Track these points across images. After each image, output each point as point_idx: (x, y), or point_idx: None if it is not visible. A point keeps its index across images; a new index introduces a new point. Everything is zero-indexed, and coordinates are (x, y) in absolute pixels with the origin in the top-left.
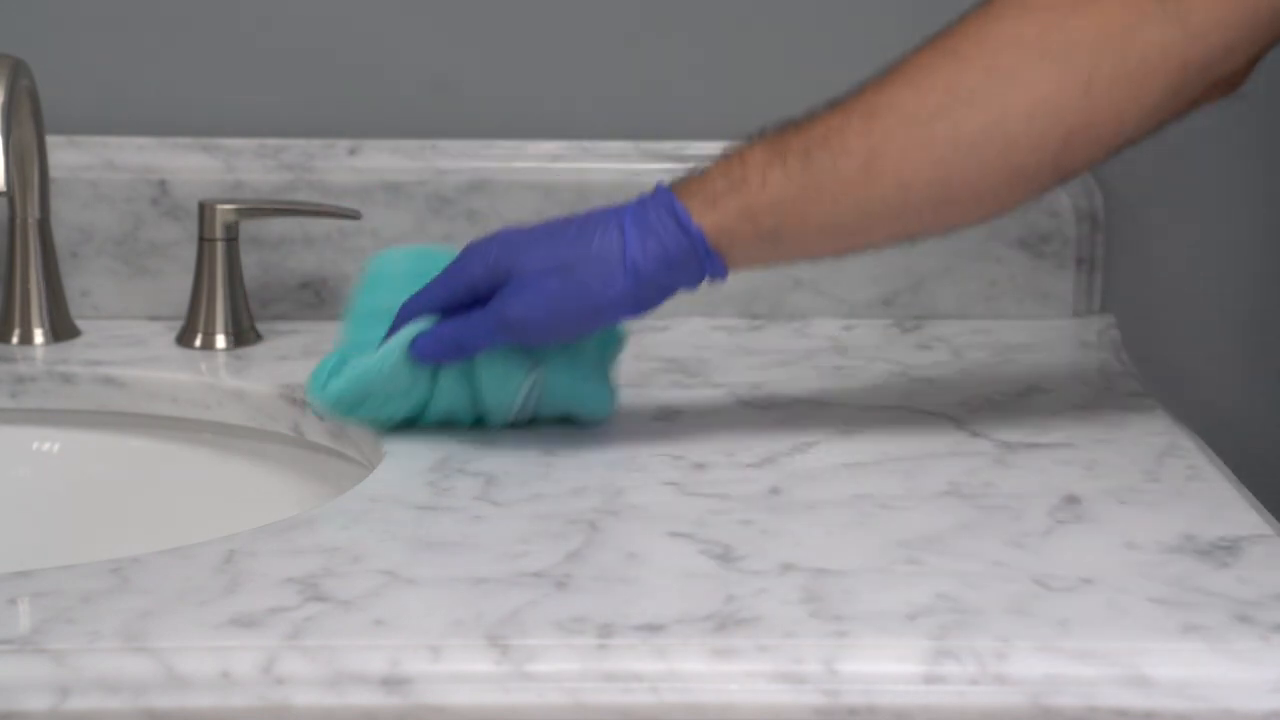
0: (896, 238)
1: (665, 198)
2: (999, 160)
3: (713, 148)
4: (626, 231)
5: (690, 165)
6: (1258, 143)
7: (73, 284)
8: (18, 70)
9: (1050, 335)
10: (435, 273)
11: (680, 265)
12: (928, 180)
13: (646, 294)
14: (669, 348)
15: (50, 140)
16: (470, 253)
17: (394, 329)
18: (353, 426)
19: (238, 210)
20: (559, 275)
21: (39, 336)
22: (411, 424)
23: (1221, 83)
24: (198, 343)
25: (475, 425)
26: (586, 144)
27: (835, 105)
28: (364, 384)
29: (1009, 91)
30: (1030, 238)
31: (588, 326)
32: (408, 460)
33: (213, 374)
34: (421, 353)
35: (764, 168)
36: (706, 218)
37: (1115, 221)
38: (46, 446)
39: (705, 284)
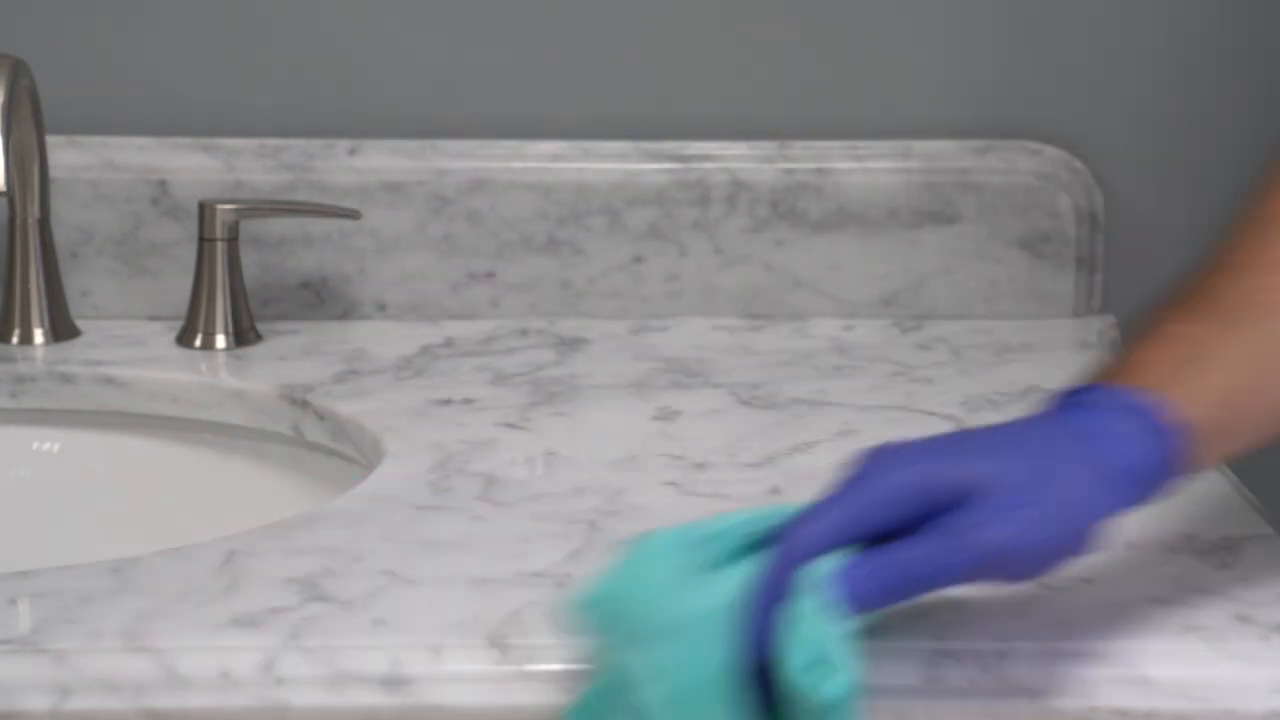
0: None
1: (1132, 394)
2: None
3: (713, 148)
4: (1113, 431)
5: (690, 166)
6: (1259, 143)
7: (73, 284)
8: (18, 70)
9: (1050, 335)
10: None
11: (1165, 468)
12: None
13: (1125, 509)
14: (669, 348)
15: (50, 140)
16: (889, 460)
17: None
18: (353, 429)
19: (238, 210)
20: (1039, 491)
21: (39, 336)
22: None
23: None
24: (198, 343)
25: None
26: (586, 144)
27: (1218, 267)
28: None
29: None
30: (1030, 238)
31: (1069, 555)
32: (408, 460)
33: (213, 374)
34: (857, 594)
35: (1215, 336)
36: (1181, 408)
37: (1116, 222)
38: (46, 446)
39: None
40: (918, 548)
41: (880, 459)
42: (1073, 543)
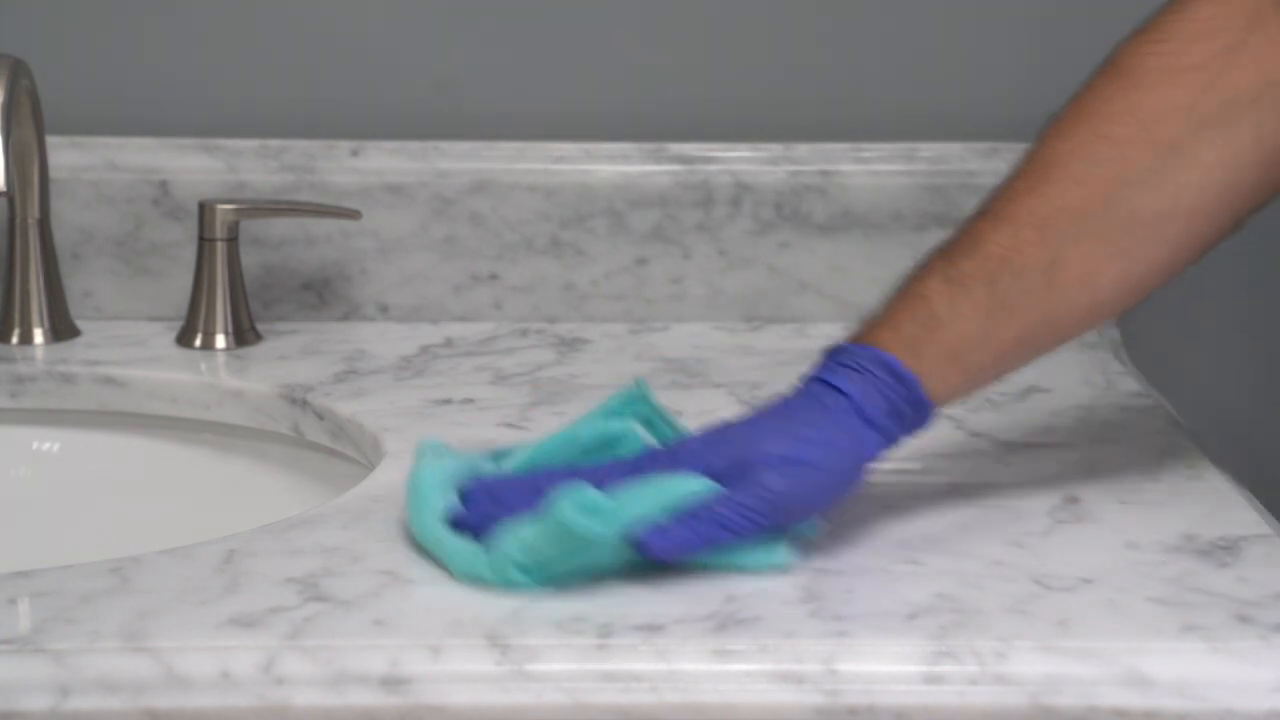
0: (1083, 331)
1: (870, 353)
2: (1181, 237)
3: (717, 150)
4: (853, 395)
5: (693, 168)
6: None
7: (74, 284)
8: (18, 70)
9: None
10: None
11: (902, 416)
12: (1115, 275)
13: (885, 448)
14: (669, 348)
15: (52, 141)
16: (692, 444)
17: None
18: (353, 428)
19: (238, 210)
20: (813, 448)
21: (39, 336)
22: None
23: None
24: (198, 343)
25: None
26: (589, 146)
27: (992, 216)
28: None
29: (1178, 167)
30: None
31: (841, 492)
32: (408, 460)
33: (213, 374)
34: (663, 550)
35: (950, 301)
36: (917, 366)
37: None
38: (46, 446)
39: (906, 439)
40: (713, 505)
41: (692, 442)
42: (845, 480)
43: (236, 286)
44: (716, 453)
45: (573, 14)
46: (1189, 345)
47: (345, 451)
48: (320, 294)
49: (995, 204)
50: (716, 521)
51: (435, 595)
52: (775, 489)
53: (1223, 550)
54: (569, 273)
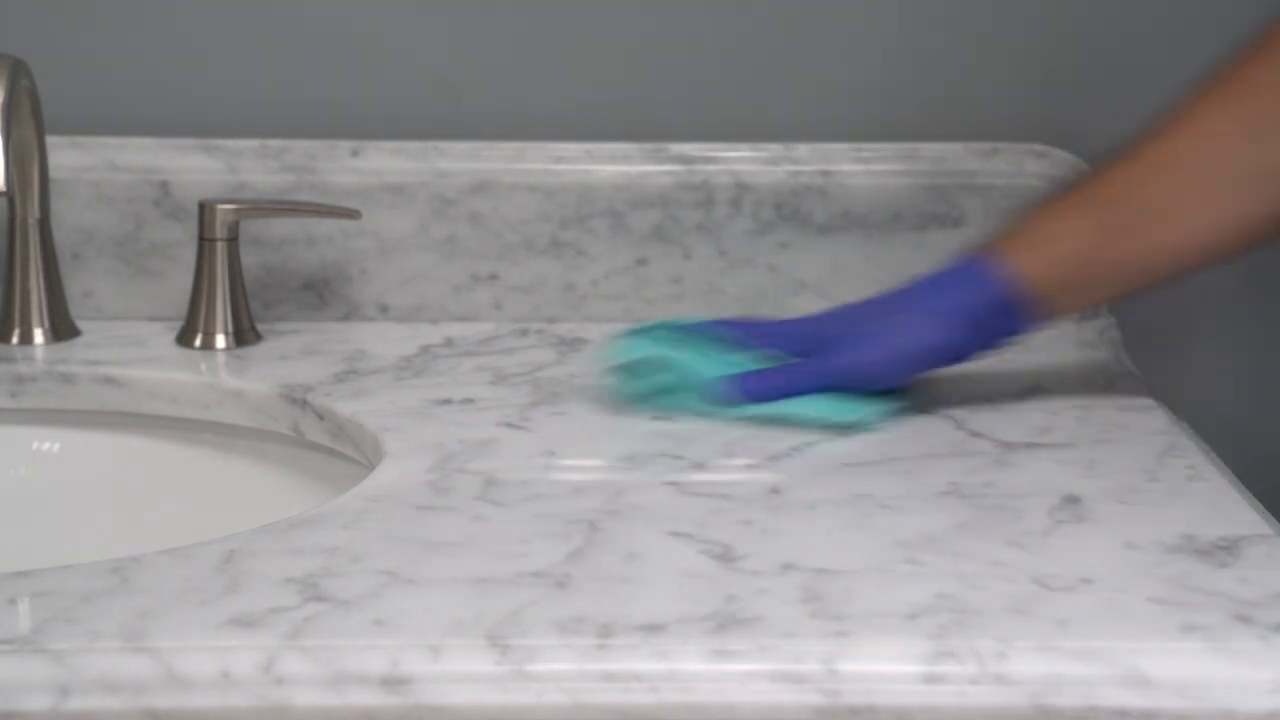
0: (1194, 270)
1: (984, 253)
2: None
3: (717, 150)
4: (951, 284)
5: (693, 168)
6: None
7: (75, 285)
8: (18, 70)
9: (1051, 336)
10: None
11: (1000, 313)
12: (1233, 216)
13: (969, 342)
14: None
15: (52, 141)
16: (806, 320)
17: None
18: (353, 428)
19: (238, 210)
20: (888, 324)
21: (39, 336)
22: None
23: None
24: (197, 343)
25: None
26: (589, 145)
27: (1123, 155)
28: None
29: None
30: None
31: (913, 370)
32: (408, 460)
33: (213, 374)
34: (748, 392)
35: (1076, 220)
36: (1024, 268)
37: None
38: (46, 446)
39: (1017, 337)
40: (795, 368)
41: (802, 319)
42: (913, 360)
43: (236, 286)
44: (807, 332)
45: (573, 14)
46: (1189, 345)
47: (345, 451)
48: (320, 294)
49: (1131, 147)
50: (795, 380)
51: (435, 595)
52: (844, 362)
53: (1223, 550)
54: (569, 273)
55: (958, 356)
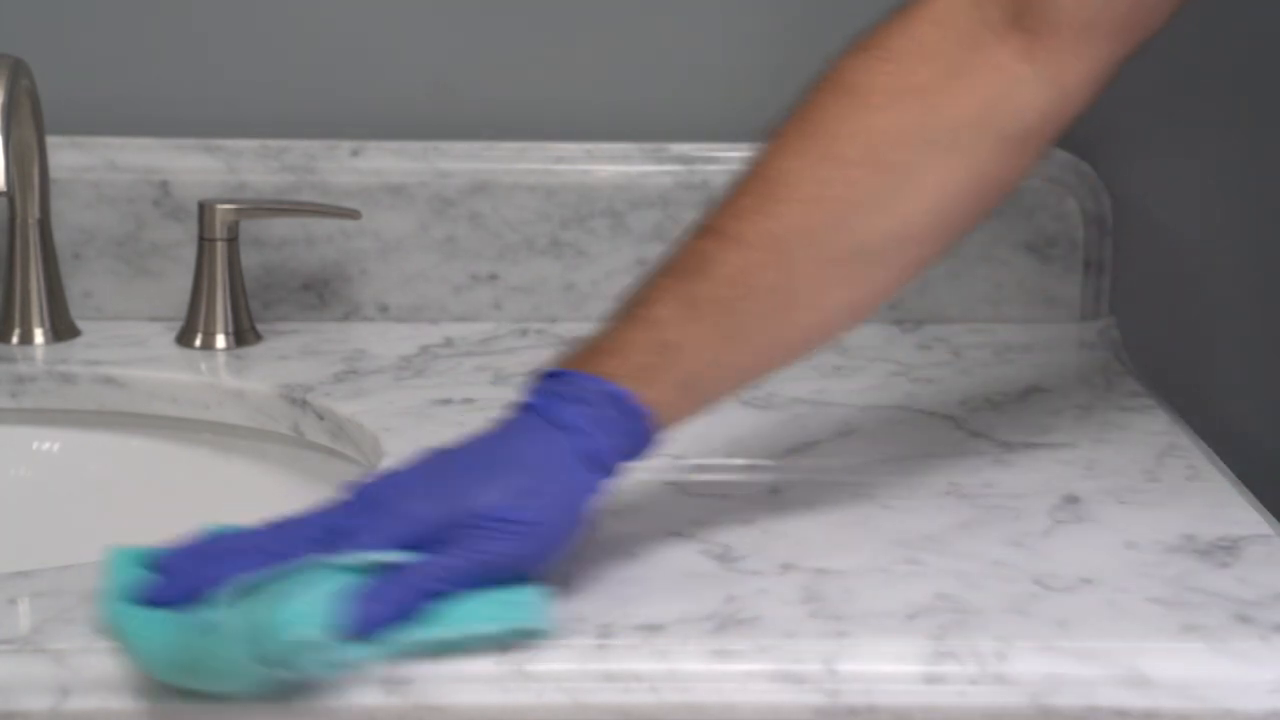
0: (811, 351)
1: (598, 384)
2: (904, 263)
3: (717, 150)
4: (575, 432)
5: (693, 168)
6: (1265, 147)
7: (75, 285)
8: (18, 70)
9: (1051, 336)
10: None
11: (628, 451)
12: (843, 300)
13: (607, 485)
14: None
15: (52, 141)
16: (388, 494)
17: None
18: (353, 428)
19: (237, 210)
20: (527, 500)
21: (39, 336)
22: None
23: None
24: (197, 343)
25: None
26: (589, 146)
27: (720, 235)
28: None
29: (906, 190)
30: (1036, 241)
31: (571, 540)
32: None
33: (213, 374)
34: (369, 623)
35: (683, 328)
36: (648, 396)
37: (1123, 225)
38: (46, 446)
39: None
40: (412, 571)
41: (371, 497)
42: (573, 527)
43: (236, 286)
44: (424, 506)
45: (573, 14)
46: (1189, 345)
47: (345, 451)
48: (320, 294)
49: (722, 221)
50: (416, 588)
51: None
52: (489, 551)
53: (1223, 550)
54: (569, 273)
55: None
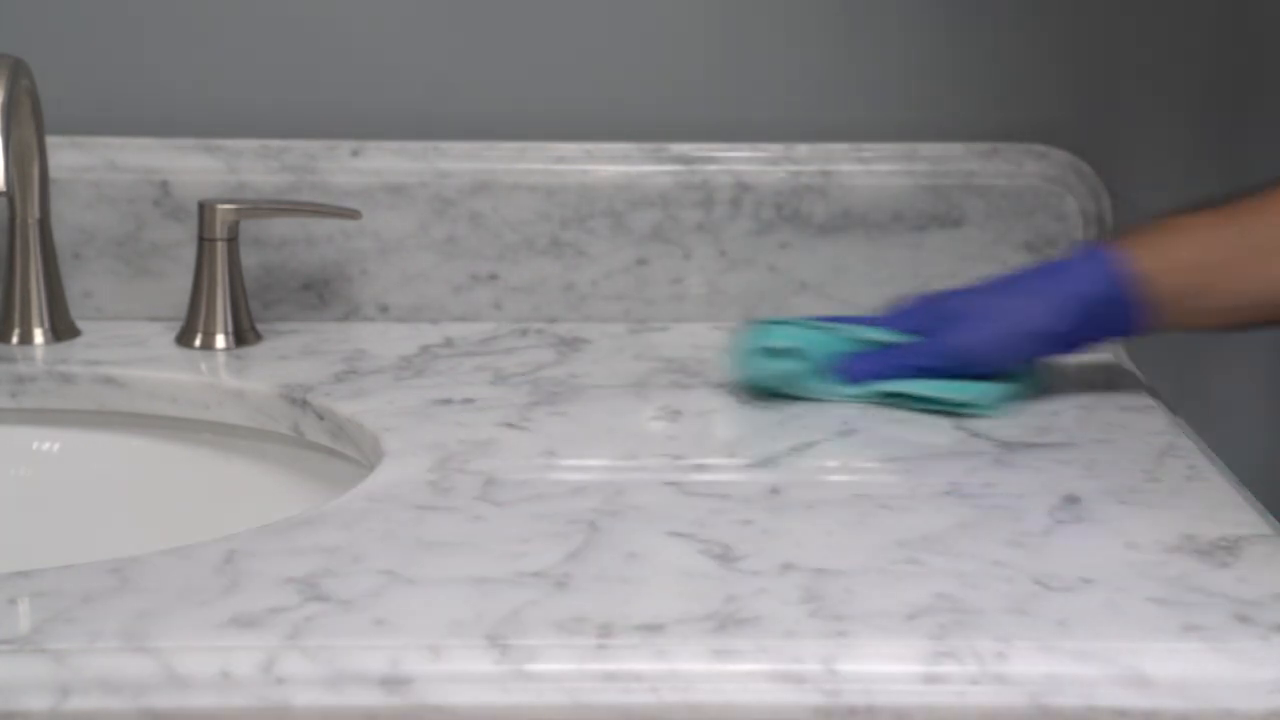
0: None
1: (1110, 245)
2: None
3: (717, 150)
4: (1070, 272)
5: (694, 168)
6: (1265, 147)
7: (75, 285)
8: (18, 70)
9: None
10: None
11: (1115, 307)
12: None
13: (1079, 331)
14: (669, 348)
15: (52, 141)
16: (922, 303)
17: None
18: (353, 428)
19: (238, 210)
20: (1001, 305)
21: (39, 336)
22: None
23: None
24: (197, 343)
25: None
26: (590, 146)
27: (1266, 189)
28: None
29: None
30: (1037, 241)
31: (1022, 353)
32: (408, 460)
33: (213, 374)
34: (856, 373)
35: (1206, 229)
36: (1146, 267)
37: (1123, 224)
38: (46, 446)
39: (1128, 337)
40: (910, 348)
41: (917, 302)
42: (1026, 343)
43: (236, 286)
44: (924, 311)
45: (573, 14)
46: (1189, 345)
47: (345, 451)
48: (320, 294)
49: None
50: (904, 360)
51: (435, 595)
52: (954, 342)
53: (1223, 550)
54: (569, 273)
55: (1069, 345)
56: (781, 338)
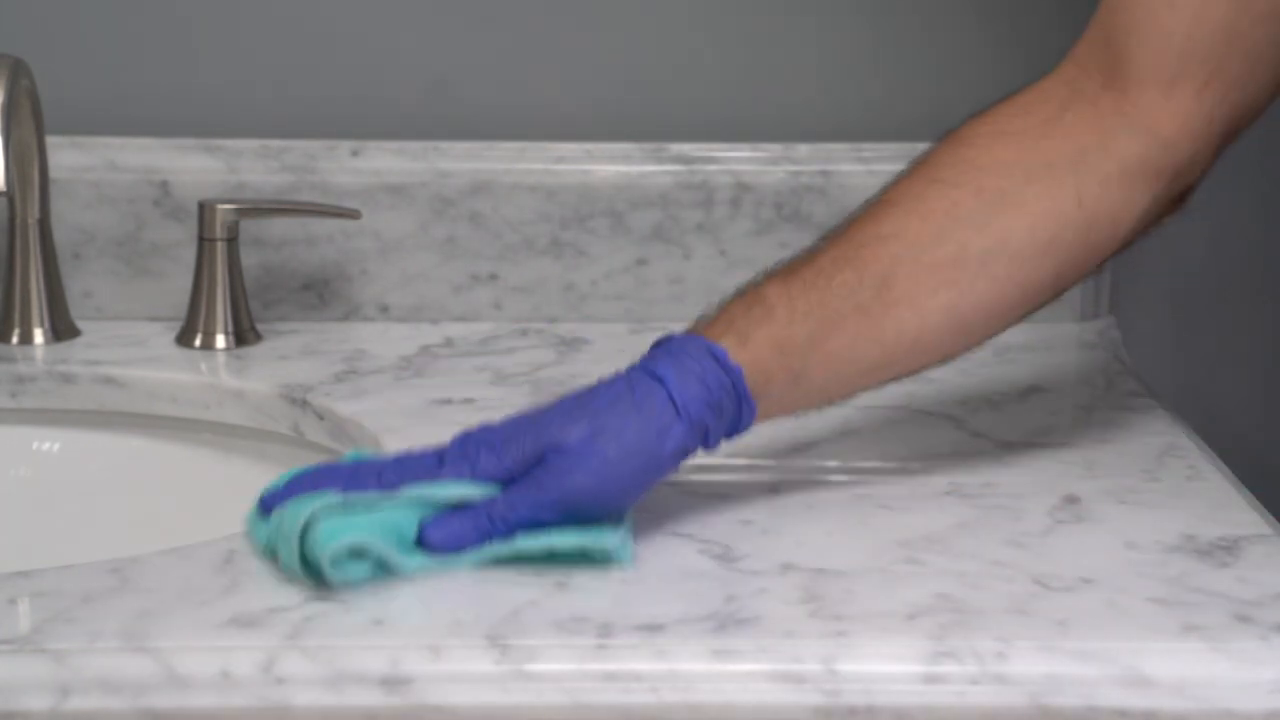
0: (911, 370)
1: (696, 340)
2: (1006, 277)
3: (717, 150)
4: (667, 380)
5: (693, 168)
6: (1265, 147)
7: (75, 285)
8: (18, 70)
9: (1052, 336)
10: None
11: (721, 409)
12: (941, 305)
13: (695, 441)
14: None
15: (52, 141)
16: (483, 437)
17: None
18: (353, 428)
19: (237, 210)
20: (609, 437)
21: (39, 336)
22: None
23: (1177, 197)
24: (197, 343)
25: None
26: (589, 146)
27: (834, 237)
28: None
29: (1005, 211)
30: None
31: (647, 483)
32: None
33: (213, 374)
34: (443, 544)
35: (785, 300)
36: (742, 355)
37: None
38: (46, 446)
39: (725, 442)
40: (499, 501)
41: (480, 435)
42: (650, 472)
43: (236, 286)
44: (510, 445)
45: (573, 14)
46: (1189, 345)
47: (345, 451)
48: (320, 294)
49: (834, 231)
50: (498, 516)
51: (435, 595)
52: (565, 484)
53: (1223, 550)
54: (569, 273)
55: (684, 459)
56: (345, 533)
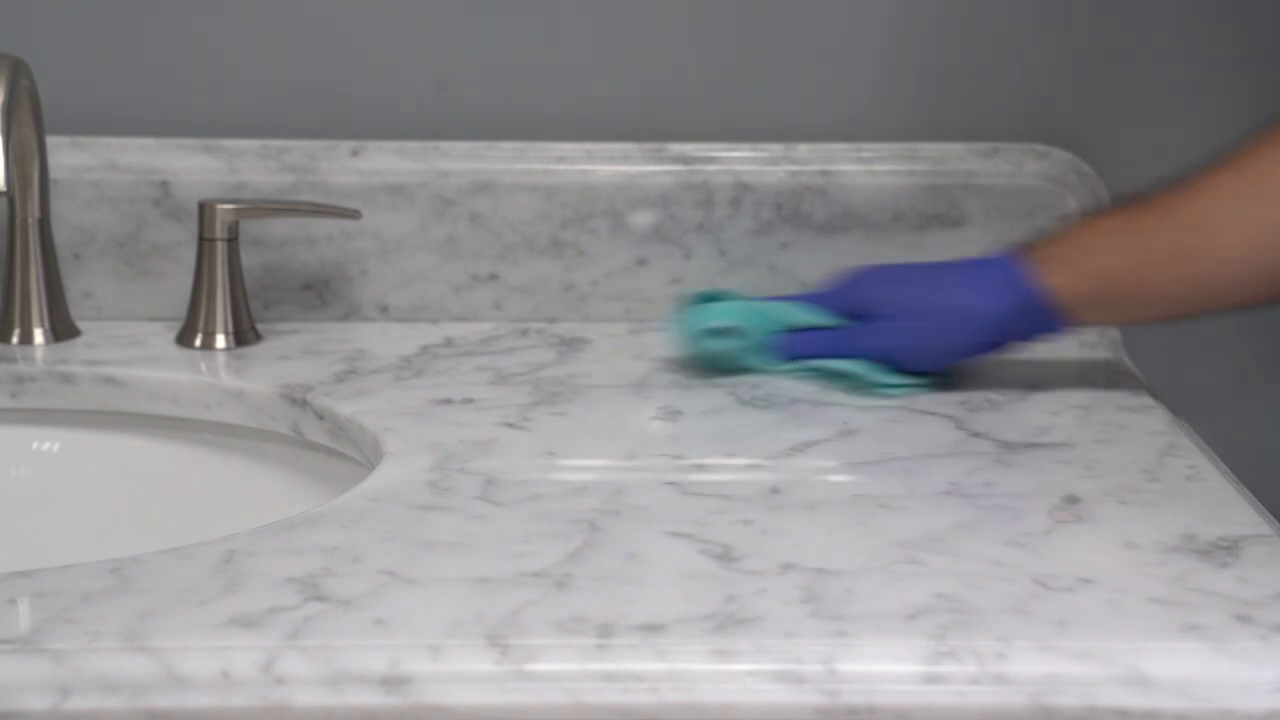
0: (1213, 309)
1: (1018, 259)
2: None
3: (717, 150)
4: (981, 288)
5: (694, 168)
6: None
7: (75, 285)
8: (18, 70)
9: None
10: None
11: (1026, 319)
12: (1251, 260)
13: (992, 343)
14: (669, 348)
15: (53, 141)
16: (850, 283)
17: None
18: (353, 428)
19: (237, 210)
20: (916, 322)
21: (39, 336)
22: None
23: None
24: (197, 343)
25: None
26: (590, 146)
27: (1170, 185)
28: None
29: None
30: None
31: (934, 367)
32: (408, 460)
33: (213, 374)
34: (791, 351)
35: (1111, 236)
36: (1056, 278)
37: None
38: (46, 446)
39: (1048, 338)
40: (839, 336)
41: (851, 281)
42: (936, 358)
43: (236, 286)
44: (853, 295)
45: (572, 14)
46: (1189, 345)
47: (345, 451)
48: (320, 294)
49: (1177, 179)
50: (839, 346)
51: (435, 595)
52: (878, 346)
53: (1223, 550)
54: (569, 273)
55: (986, 352)
56: (722, 316)
